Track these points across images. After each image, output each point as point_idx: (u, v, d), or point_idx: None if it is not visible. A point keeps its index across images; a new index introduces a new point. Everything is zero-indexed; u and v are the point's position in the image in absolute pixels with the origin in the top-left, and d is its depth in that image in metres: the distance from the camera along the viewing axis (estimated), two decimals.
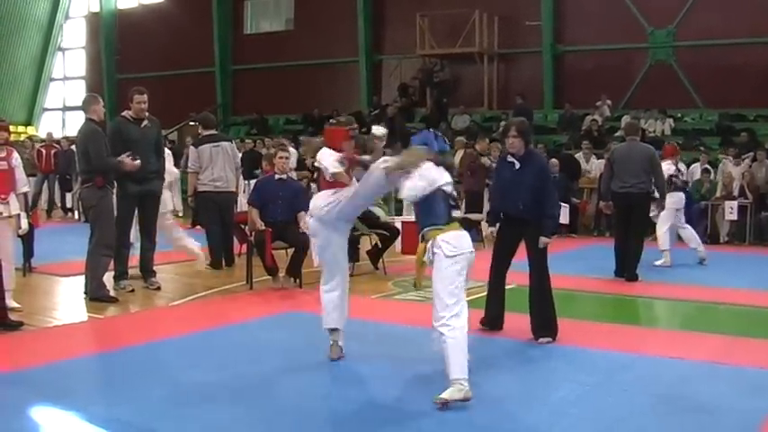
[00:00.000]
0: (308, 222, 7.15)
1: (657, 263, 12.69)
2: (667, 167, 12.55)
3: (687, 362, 7.06)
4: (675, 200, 12.80)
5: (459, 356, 5.74)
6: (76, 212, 19.54)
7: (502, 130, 7.83)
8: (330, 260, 6.86)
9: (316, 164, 6.99)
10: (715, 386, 6.36)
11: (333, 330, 6.92)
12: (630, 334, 8.30)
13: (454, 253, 5.93)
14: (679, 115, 21.80)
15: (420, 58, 25.77)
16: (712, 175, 17.54)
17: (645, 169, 11.12)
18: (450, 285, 5.88)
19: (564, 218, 16.98)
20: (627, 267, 11.19)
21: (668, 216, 12.75)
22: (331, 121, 7.61)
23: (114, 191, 9.76)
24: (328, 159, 6.72)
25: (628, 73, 22.78)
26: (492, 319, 8.13)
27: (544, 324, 7.77)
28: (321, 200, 6.80)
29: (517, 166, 7.67)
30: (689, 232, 13.37)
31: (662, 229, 12.87)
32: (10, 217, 8.80)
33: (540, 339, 7.69)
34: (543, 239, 7.67)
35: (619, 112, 21.83)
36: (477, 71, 24.76)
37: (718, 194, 17.07)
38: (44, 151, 21.53)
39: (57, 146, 21.80)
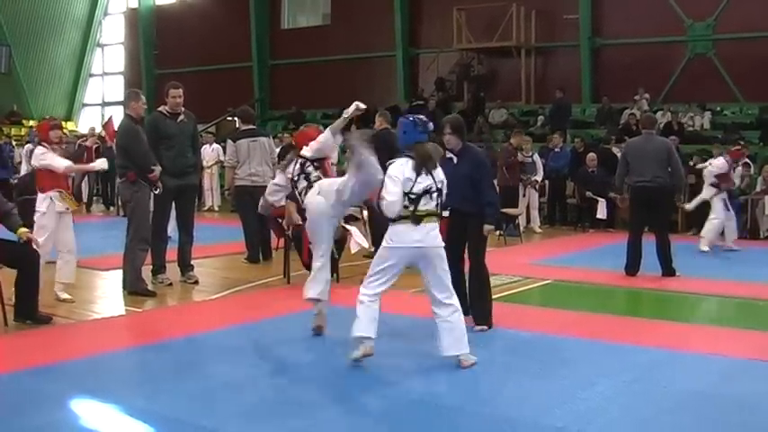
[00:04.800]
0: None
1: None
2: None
3: (728, 359, 6.98)
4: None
5: (360, 317, 6.49)
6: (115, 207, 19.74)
7: (439, 127, 8.04)
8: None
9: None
10: (756, 384, 6.29)
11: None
12: (669, 330, 8.22)
13: (390, 246, 6.53)
14: (718, 109, 21.57)
15: (457, 53, 25.73)
16: (752, 170, 17.34)
17: (661, 163, 10.99)
18: (377, 259, 6.62)
19: (601, 213, 16.94)
20: (661, 263, 11.07)
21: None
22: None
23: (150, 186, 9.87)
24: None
25: (666, 66, 22.56)
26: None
27: (481, 313, 7.92)
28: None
29: (455, 160, 7.86)
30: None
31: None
32: (63, 212, 8.92)
33: (476, 328, 7.77)
34: (487, 227, 7.85)
35: (657, 106, 21.62)
36: (514, 65, 24.67)
37: (758, 189, 16.88)
38: (86, 146, 21.68)
39: (98, 141, 21.91)
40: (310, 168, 7.80)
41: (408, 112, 24.13)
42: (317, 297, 7.43)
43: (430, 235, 6.48)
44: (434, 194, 6.52)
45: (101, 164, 9.36)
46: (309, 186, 7.66)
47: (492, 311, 7.98)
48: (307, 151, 7.90)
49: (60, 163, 8.82)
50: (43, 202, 8.81)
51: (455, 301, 6.60)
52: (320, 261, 7.47)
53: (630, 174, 11.15)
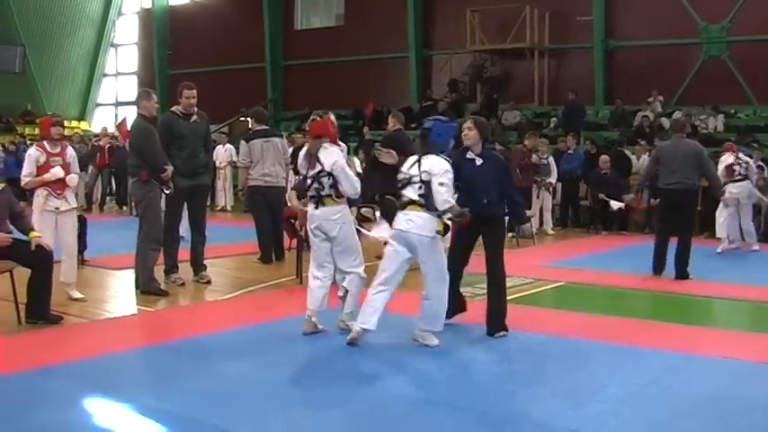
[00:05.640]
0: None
1: (717, 249, 14.05)
2: (725, 158, 14.24)
3: (740, 362, 6.97)
4: (735, 189, 13.94)
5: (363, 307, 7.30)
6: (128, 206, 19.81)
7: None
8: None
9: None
10: None
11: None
12: (682, 333, 8.20)
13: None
14: (732, 111, 21.48)
15: (470, 54, 25.71)
16: (766, 172, 17.25)
17: (691, 166, 10.99)
18: None
19: (615, 206, 17.02)
20: (676, 265, 11.04)
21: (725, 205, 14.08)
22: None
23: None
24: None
25: (680, 68, 22.49)
26: (451, 308, 8.11)
27: (500, 319, 7.81)
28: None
29: (478, 162, 7.81)
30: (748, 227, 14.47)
31: (719, 219, 14.32)
32: (62, 212, 8.93)
33: (497, 335, 7.70)
34: (524, 226, 8.28)
35: (671, 109, 21.54)
36: (527, 67, 24.64)
37: None
38: (99, 145, 21.83)
39: (112, 141, 22.02)
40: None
41: (420, 114, 24.25)
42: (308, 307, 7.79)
43: (413, 223, 7.08)
44: (416, 185, 7.13)
45: (55, 172, 8.90)
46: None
47: (505, 315, 7.93)
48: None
49: (23, 171, 9.00)
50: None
51: (435, 289, 7.23)
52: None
53: (660, 177, 11.16)
